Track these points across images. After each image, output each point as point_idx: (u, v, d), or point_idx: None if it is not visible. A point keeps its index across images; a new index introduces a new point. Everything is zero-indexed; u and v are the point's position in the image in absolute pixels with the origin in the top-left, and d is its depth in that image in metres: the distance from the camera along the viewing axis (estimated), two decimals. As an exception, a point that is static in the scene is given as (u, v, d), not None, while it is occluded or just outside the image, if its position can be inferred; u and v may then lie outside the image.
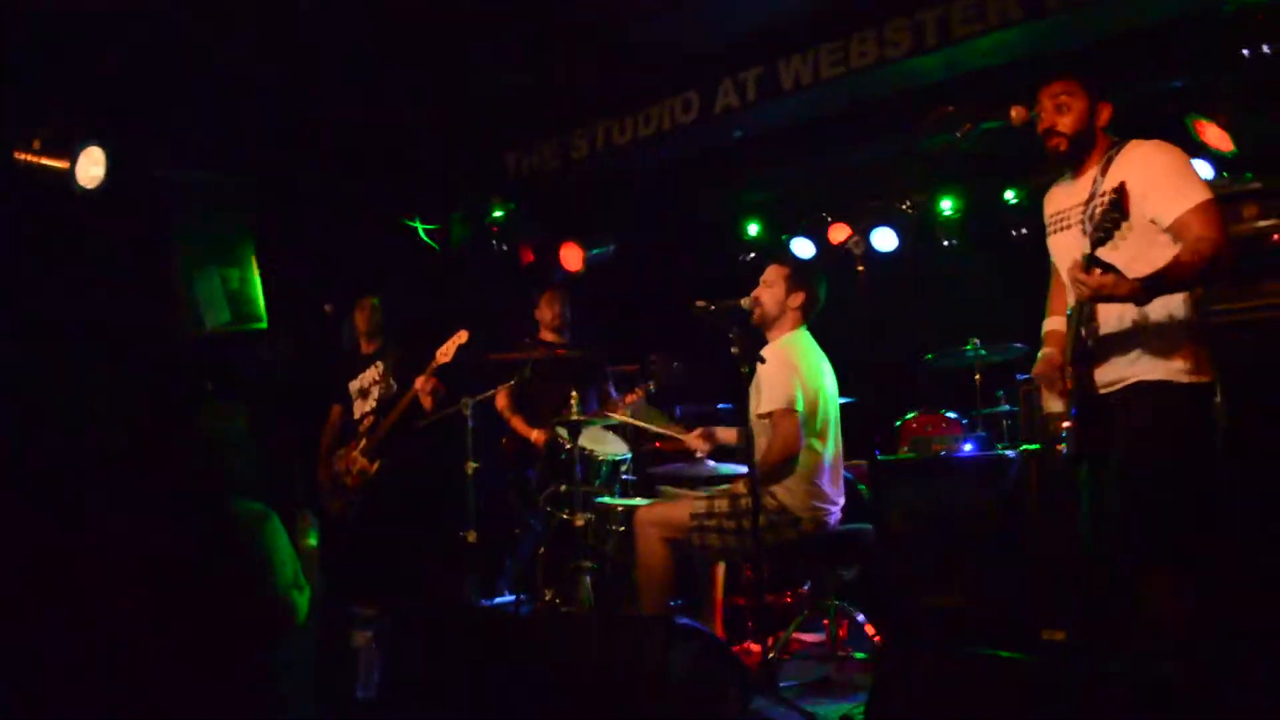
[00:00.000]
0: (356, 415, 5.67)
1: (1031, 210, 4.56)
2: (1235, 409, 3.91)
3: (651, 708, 3.22)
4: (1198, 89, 4.55)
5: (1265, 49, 3.79)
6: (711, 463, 4.70)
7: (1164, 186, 2.90)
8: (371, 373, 5.67)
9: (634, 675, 3.27)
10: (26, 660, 2.74)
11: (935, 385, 6.03)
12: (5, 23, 4.23)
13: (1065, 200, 3.22)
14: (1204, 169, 4.68)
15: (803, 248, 6.92)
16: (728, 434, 4.41)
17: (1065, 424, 3.10)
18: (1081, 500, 3.18)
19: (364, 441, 5.48)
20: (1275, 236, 4.63)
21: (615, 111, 6.01)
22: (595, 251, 6.90)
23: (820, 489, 4.16)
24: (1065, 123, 3.08)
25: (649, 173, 6.40)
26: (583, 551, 4.68)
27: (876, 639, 4.45)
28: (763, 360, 3.98)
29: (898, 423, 5.72)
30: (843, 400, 4.42)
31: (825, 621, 4.66)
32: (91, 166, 4.58)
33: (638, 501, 4.73)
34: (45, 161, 4.53)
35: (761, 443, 4.11)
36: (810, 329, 4.36)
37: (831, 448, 4.24)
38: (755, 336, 4.25)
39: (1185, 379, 2.90)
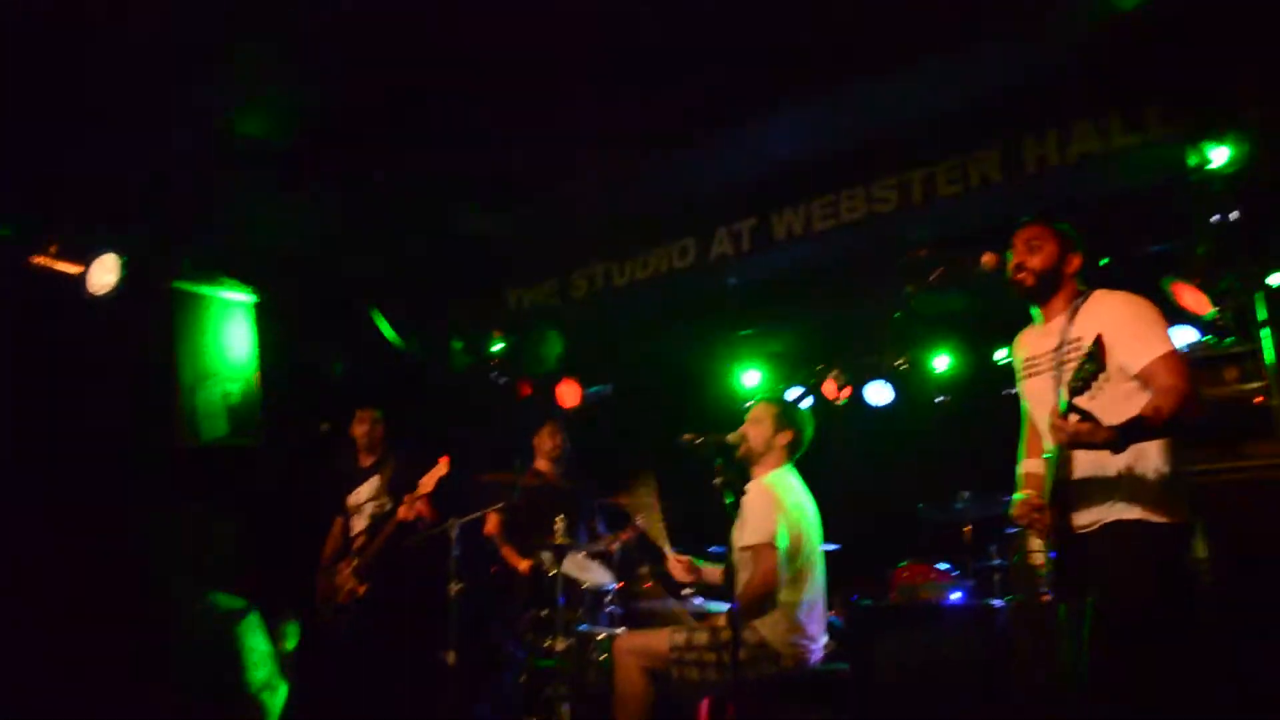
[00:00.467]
0: (352, 532, 5.69)
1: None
2: (1219, 563, 3.96)
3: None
4: (1174, 253, 4.74)
5: (1233, 216, 3.96)
6: (699, 599, 4.69)
7: (1129, 336, 3.01)
8: (368, 488, 5.71)
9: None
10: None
11: (926, 537, 6.04)
12: (28, 130, 4.44)
13: (1036, 346, 3.33)
14: (1187, 333, 4.82)
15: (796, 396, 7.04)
16: (712, 572, 4.42)
17: (1042, 559, 3.15)
18: (1062, 640, 3.19)
19: (355, 561, 5.49)
20: (1257, 399, 4.75)
21: (614, 254, 6.23)
22: (593, 390, 7.02)
23: (801, 625, 4.14)
24: (1035, 261, 3.23)
25: (647, 315, 6.58)
26: (562, 679, 4.62)
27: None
28: (744, 493, 4.04)
29: (889, 571, 5.71)
30: (830, 547, 4.44)
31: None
32: (105, 273, 4.74)
33: (619, 631, 4.71)
34: (60, 266, 4.69)
35: (743, 576, 4.12)
36: (798, 469, 4.43)
37: (814, 585, 4.24)
38: (741, 471, 4.32)
39: (1162, 519, 2.96)
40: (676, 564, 4.44)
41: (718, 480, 4.09)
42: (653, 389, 7.22)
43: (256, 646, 3.45)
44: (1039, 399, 3.27)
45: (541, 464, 5.86)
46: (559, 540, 4.74)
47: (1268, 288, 4.39)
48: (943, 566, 5.54)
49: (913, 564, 5.63)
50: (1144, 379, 2.97)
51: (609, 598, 5.16)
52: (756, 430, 4.37)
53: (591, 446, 6.06)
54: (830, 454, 4.82)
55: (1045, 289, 3.25)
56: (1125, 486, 3.00)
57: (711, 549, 6.11)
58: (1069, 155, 4.33)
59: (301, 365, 6.26)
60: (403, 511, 5.28)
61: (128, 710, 2.96)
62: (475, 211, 5.93)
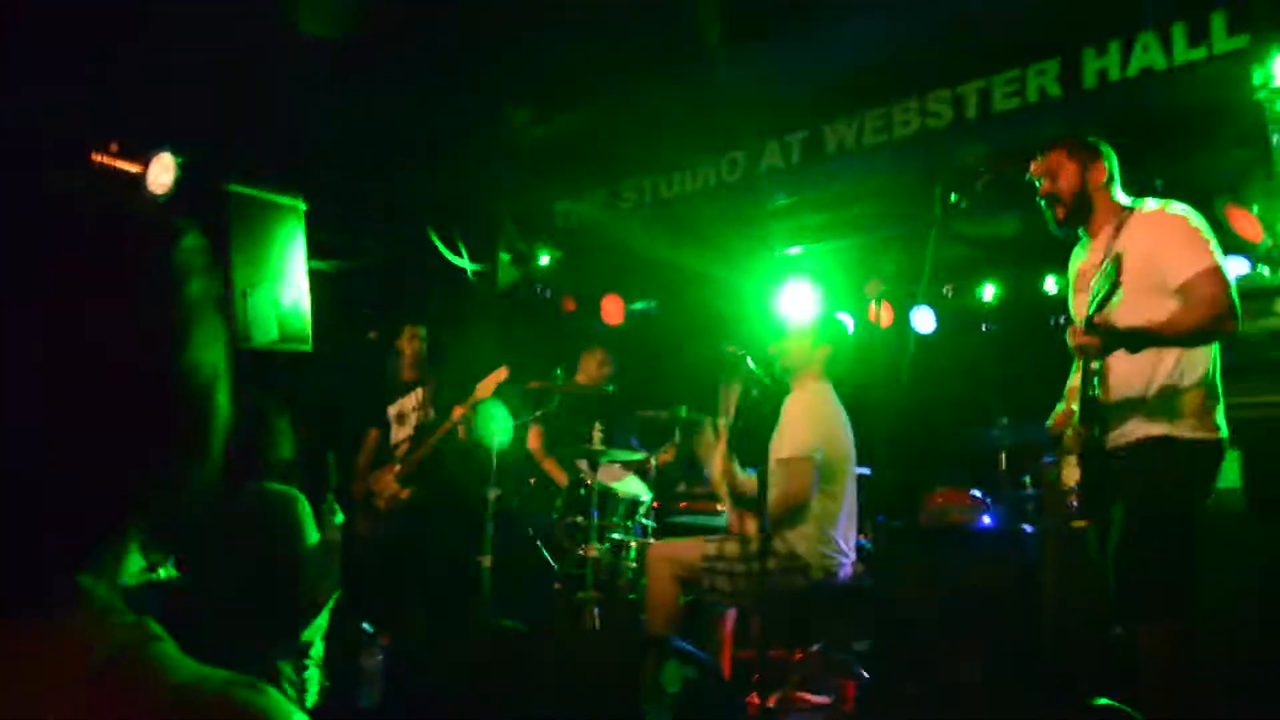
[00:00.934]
0: (394, 441, 5.79)
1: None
2: (1254, 495, 3.92)
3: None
4: (1233, 178, 4.62)
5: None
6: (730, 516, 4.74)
7: (1173, 249, 2.97)
8: (411, 399, 5.80)
9: (628, 690, 3.30)
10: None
11: (961, 463, 6.04)
12: (90, 28, 4.49)
13: (1084, 264, 3.30)
14: (1238, 263, 4.70)
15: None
16: (747, 482, 4.44)
17: (1078, 479, 3.14)
18: (1092, 554, 3.20)
19: (399, 467, 5.59)
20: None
21: (662, 167, 6.18)
22: (637, 306, 7.03)
23: (832, 539, 4.18)
24: (1060, 187, 3.19)
25: (694, 229, 6.55)
26: (592, 584, 4.71)
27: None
28: (782, 405, 4.07)
29: (922, 495, 5.72)
30: (864, 470, 4.45)
31: (831, 681, 4.62)
32: (163, 173, 4.81)
33: (650, 541, 4.79)
34: (120, 165, 4.77)
35: (776, 487, 4.15)
36: (836, 387, 4.43)
37: (847, 500, 4.26)
38: (779, 384, 4.33)
39: (1188, 434, 2.94)
40: (717, 483, 4.45)
41: (756, 392, 4.14)
42: (697, 305, 7.22)
43: (308, 531, 3.53)
44: (1081, 313, 3.25)
45: (583, 378, 5.91)
46: (595, 447, 4.79)
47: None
48: (976, 493, 5.55)
49: (946, 489, 5.65)
50: (1183, 293, 2.92)
51: (642, 510, 5.22)
52: (796, 344, 4.38)
53: (633, 361, 6.09)
54: (870, 377, 4.81)
55: (1081, 210, 3.21)
56: (1153, 403, 2.98)
57: (749, 470, 6.17)
58: (1130, 70, 4.21)
59: (349, 274, 6.33)
60: (456, 413, 5.34)
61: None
62: (527, 118, 5.89)
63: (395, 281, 6.39)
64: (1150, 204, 3.13)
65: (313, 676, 3.60)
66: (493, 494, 5.16)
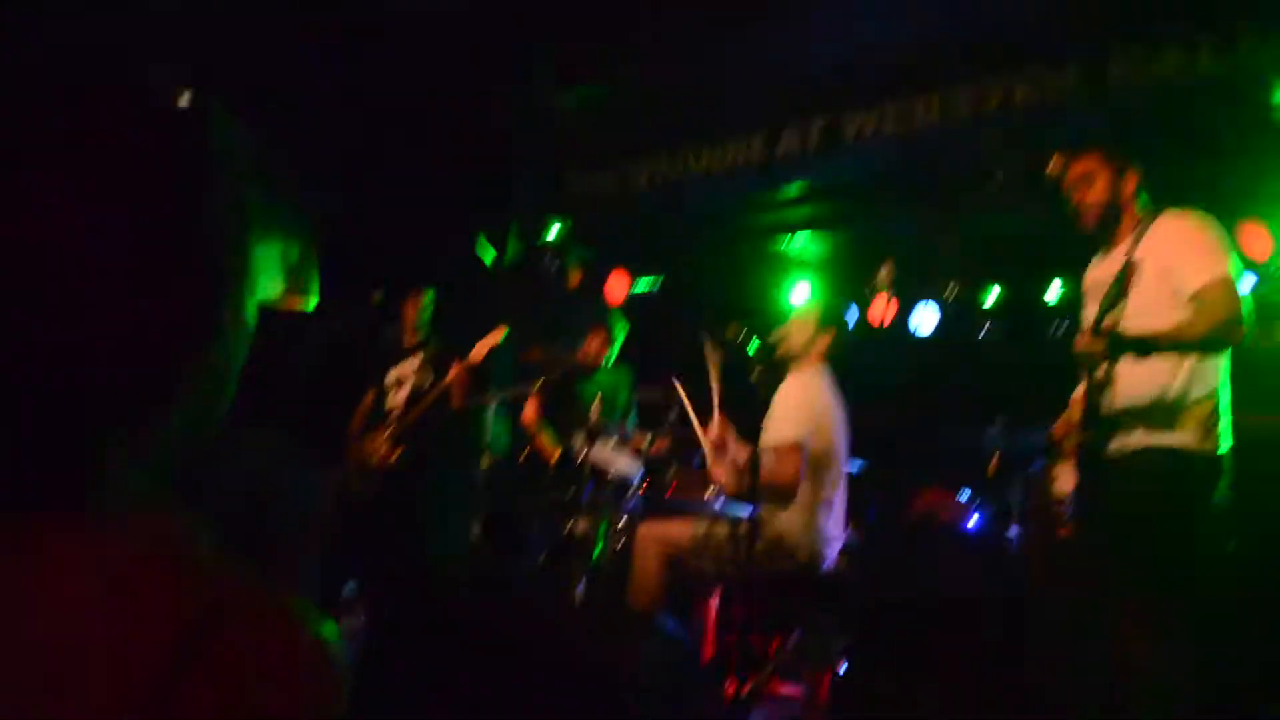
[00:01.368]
0: (389, 404, 5.77)
1: (1074, 306, 4.62)
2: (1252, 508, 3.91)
3: (620, 700, 3.25)
4: (1247, 193, 4.59)
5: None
6: (720, 501, 4.73)
7: (1189, 258, 2.95)
8: (411, 363, 5.78)
9: (607, 665, 3.30)
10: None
11: (952, 464, 6.03)
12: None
13: (1101, 273, 3.28)
14: (1245, 281, 4.69)
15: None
16: (740, 449, 4.39)
17: (1071, 488, 3.14)
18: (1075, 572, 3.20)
19: (392, 428, 5.58)
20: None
21: (678, 145, 6.14)
22: (642, 283, 7.00)
23: (821, 526, 4.18)
24: (1092, 196, 3.17)
25: (706, 211, 6.52)
26: (579, 558, 4.71)
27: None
28: (778, 389, 4.07)
29: (910, 493, 5.72)
30: (856, 464, 4.44)
31: (805, 673, 4.62)
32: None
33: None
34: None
35: (766, 468, 4.13)
36: (835, 373, 4.41)
37: (836, 488, 4.26)
38: (779, 368, 4.32)
39: (1192, 446, 2.93)
40: (717, 424, 4.40)
41: (754, 375, 4.14)
42: (703, 286, 7.19)
43: (303, 486, 3.52)
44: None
45: (585, 349, 5.89)
46: (593, 423, 4.77)
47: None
48: (964, 495, 5.55)
49: (934, 489, 5.64)
50: (1197, 300, 2.91)
51: (633, 490, 5.21)
52: (799, 329, 4.36)
53: (635, 339, 6.06)
54: (868, 373, 4.78)
55: (1110, 220, 3.18)
56: (1158, 413, 2.97)
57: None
58: (1155, 76, 4.17)
59: (357, 235, 6.30)
60: (451, 374, 5.33)
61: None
62: (549, 86, 5.85)
63: (401, 246, 6.35)
64: (1170, 213, 3.11)
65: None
66: (485, 460, 5.15)
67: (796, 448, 4.09)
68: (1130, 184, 3.16)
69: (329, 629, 0.70)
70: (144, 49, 4.85)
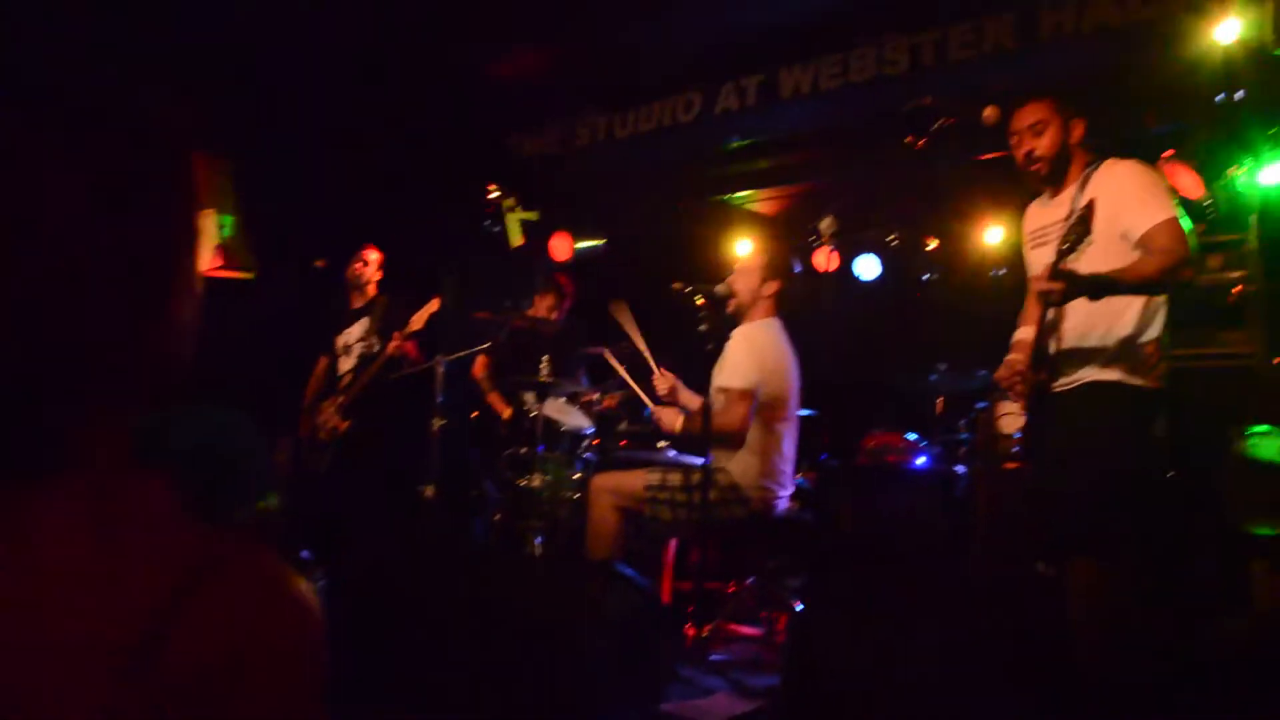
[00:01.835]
0: (340, 371, 5.76)
1: (1012, 251, 4.75)
2: (1178, 438, 4.08)
3: (584, 645, 3.32)
4: (1175, 133, 4.73)
5: (1238, 96, 3.95)
6: (672, 451, 4.80)
7: (1135, 203, 3.05)
8: (357, 328, 5.76)
9: (569, 613, 3.36)
10: None
11: (899, 407, 6.17)
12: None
13: (1044, 217, 3.36)
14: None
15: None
16: (691, 398, 4.45)
17: (1018, 426, 3.25)
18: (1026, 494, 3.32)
19: (340, 399, 5.58)
20: (1236, 289, 4.81)
21: (619, 106, 6.15)
22: (586, 244, 7.02)
23: (773, 471, 4.26)
24: (1043, 145, 3.23)
25: (646, 170, 6.55)
26: (535, 513, 4.76)
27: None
28: (728, 338, 4.13)
29: (860, 437, 5.84)
30: (806, 412, 4.53)
31: (763, 614, 4.74)
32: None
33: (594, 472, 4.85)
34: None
35: (716, 414, 4.20)
36: (784, 322, 4.48)
37: (788, 435, 4.34)
38: (728, 320, 4.39)
39: (1135, 382, 3.05)
40: (661, 379, 4.47)
41: (704, 327, 4.20)
42: (647, 244, 7.23)
43: (258, 459, 3.50)
44: (1042, 268, 3.32)
45: (534, 312, 5.91)
46: (543, 379, 4.81)
47: (1262, 175, 4.41)
48: (911, 435, 5.69)
49: (882, 431, 5.78)
50: (1144, 243, 3.01)
51: (585, 442, 5.27)
52: (744, 280, 4.41)
53: (581, 297, 6.09)
54: (814, 321, 4.88)
55: (1059, 169, 3.26)
56: (1106, 351, 3.09)
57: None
58: (1085, 25, 4.28)
59: (297, 204, 6.23)
60: (391, 347, 5.34)
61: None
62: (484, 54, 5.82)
63: (344, 210, 6.30)
64: (1112, 160, 3.20)
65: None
66: (436, 423, 5.17)
67: (746, 395, 4.16)
68: (1077, 132, 3.24)
69: (304, 582, 0.73)
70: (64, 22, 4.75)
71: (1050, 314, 3.13)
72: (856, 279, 6.79)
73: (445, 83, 6.19)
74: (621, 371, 4.68)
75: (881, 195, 6.36)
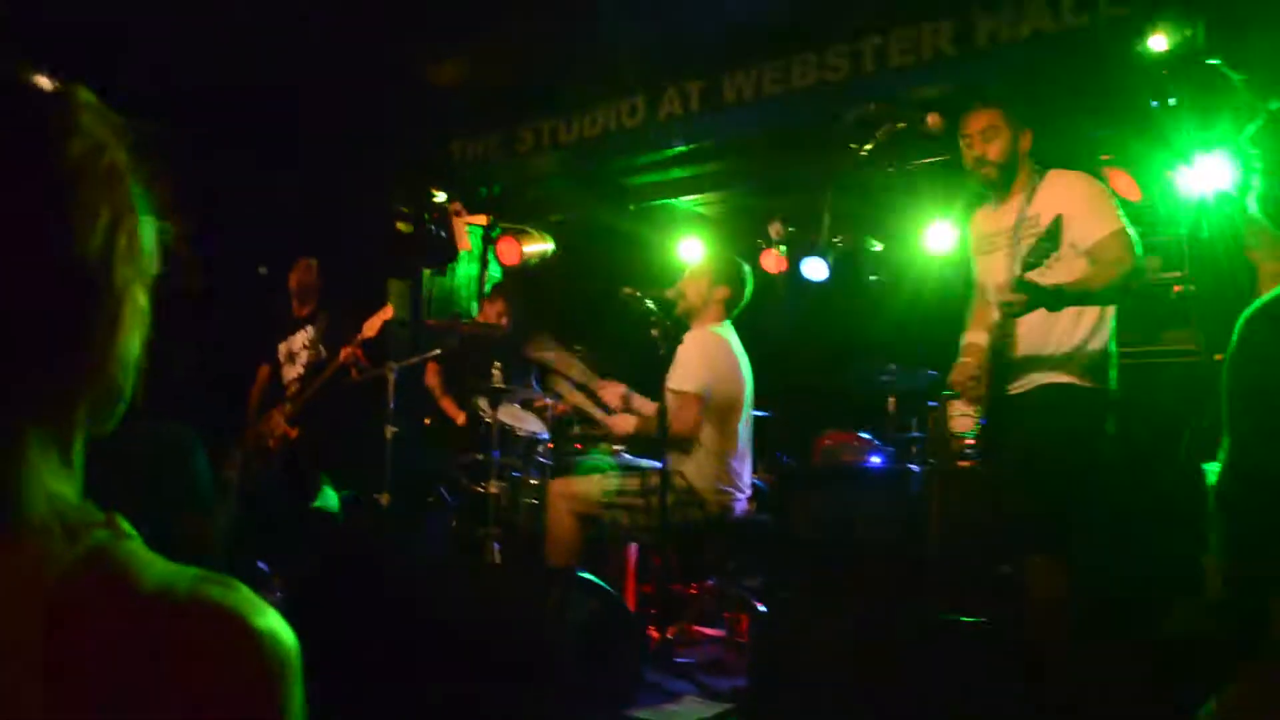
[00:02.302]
0: (285, 379, 5.70)
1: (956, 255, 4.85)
2: (1127, 435, 4.21)
3: (548, 652, 3.33)
4: (1112, 138, 4.87)
5: (1171, 102, 4.08)
6: (628, 455, 4.84)
7: (1085, 214, 3.15)
8: (302, 336, 5.71)
9: (531, 619, 3.38)
10: None
11: (851, 407, 6.25)
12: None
13: (992, 224, 3.46)
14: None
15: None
16: (644, 403, 4.49)
17: (970, 426, 3.34)
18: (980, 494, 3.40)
19: (288, 406, 5.52)
20: (1176, 288, 4.97)
21: (562, 109, 6.17)
22: (533, 248, 7.02)
23: (729, 474, 4.31)
24: (994, 150, 3.32)
25: (591, 172, 6.57)
26: (492, 520, 4.76)
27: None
28: (680, 341, 4.18)
29: (814, 437, 5.92)
30: (759, 414, 4.59)
31: (726, 615, 4.80)
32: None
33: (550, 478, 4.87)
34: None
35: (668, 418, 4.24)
36: (735, 326, 4.53)
37: (743, 439, 4.39)
38: (678, 325, 4.43)
39: (1087, 384, 3.16)
40: (609, 392, 4.51)
41: (655, 332, 4.24)
42: (594, 248, 7.26)
43: (202, 471, 3.45)
44: (991, 274, 3.41)
45: (484, 318, 5.91)
46: (496, 384, 4.82)
47: (1195, 179, 4.56)
48: (864, 435, 5.78)
49: (836, 432, 5.86)
50: (1094, 254, 3.11)
51: (541, 447, 5.28)
52: (694, 285, 4.46)
53: (531, 302, 6.10)
54: (764, 323, 4.94)
55: (1008, 176, 3.35)
56: (1060, 355, 3.19)
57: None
58: (1020, 32, 4.39)
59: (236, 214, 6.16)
60: (344, 354, 5.31)
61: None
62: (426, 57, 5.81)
63: (286, 214, 6.23)
64: (1058, 171, 3.31)
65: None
66: (389, 431, 5.15)
67: (696, 399, 4.20)
68: (1025, 142, 3.34)
69: (275, 617, 0.69)
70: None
71: (1006, 323, 3.22)
72: (805, 280, 6.86)
73: (388, 87, 6.16)
74: (568, 385, 4.71)
75: (826, 199, 6.44)
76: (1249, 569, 1.72)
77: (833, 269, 6.93)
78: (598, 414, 4.56)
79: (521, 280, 6.48)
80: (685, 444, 4.24)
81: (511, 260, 7.04)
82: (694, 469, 4.26)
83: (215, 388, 5.74)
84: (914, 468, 5.07)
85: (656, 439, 4.05)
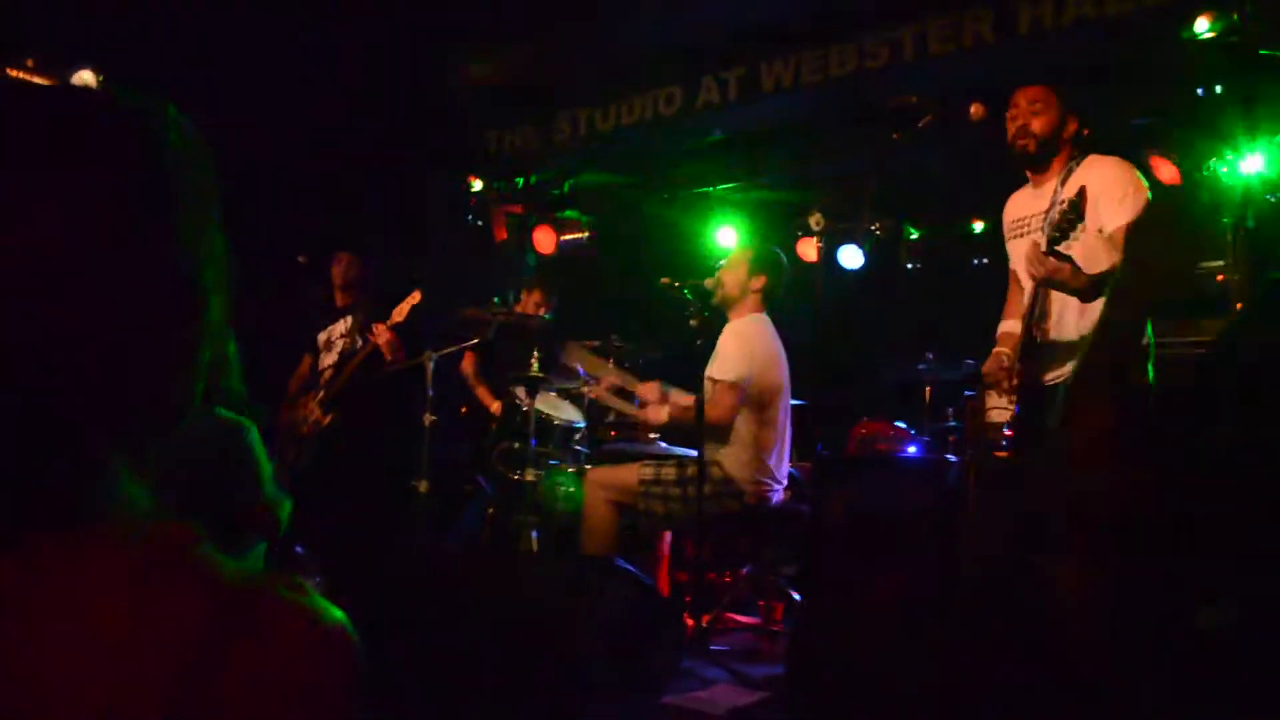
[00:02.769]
0: (321, 367, 5.76)
1: (993, 241, 4.81)
2: (1163, 427, 4.16)
3: (582, 640, 3.36)
4: (1155, 127, 4.81)
5: (1217, 90, 4.03)
6: (664, 444, 4.85)
7: (1110, 198, 3.11)
8: (340, 326, 5.76)
9: (568, 607, 3.40)
10: None
11: (887, 397, 6.23)
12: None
13: (1026, 208, 3.42)
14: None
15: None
16: (680, 396, 4.51)
17: (1007, 418, 3.31)
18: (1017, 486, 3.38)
19: (321, 393, 5.58)
20: (1218, 278, 4.91)
21: (599, 99, 6.18)
22: (570, 237, 7.05)
23: (766, 465, 4.32)
24: (1038, 124, 3.29)
25: (629, 163, 6.58)
26: (530, 508, 4.79)
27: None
28: (718, 331, 4.20)
29: (849, 426, 5.90)
30: (796, 403, 4.59)
31: (761, 602, 4.80)
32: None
33: (587, 466, 4.89)
34: (35, 80, 4.60)
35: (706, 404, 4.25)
36: (772, 315, 4.53)
37: (781, 428, 4.39)
38: (716, 315, 4.44)
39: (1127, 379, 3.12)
40: (646, 389, 4.54)
41: (693, 321, 4.25)
42: (631, 237, 7.27)
43: (262, 460, 3.50)
44: (1023, 258, 3.38)
45: (522, 308, 5.94)
46: (533, 374, 4.84)
47: (1240, 166, 4.50)
48: (900, 424, 5.76)
49: (871, 421, 5.84)
50: (1112, 240, 3.07)
51: (578, 435, 5.31)
52: (732, 275, 4.46)
53: (568, 291, 6.13)
54: (801, 312, 4.94)
55: (1045, 154, 3.31)
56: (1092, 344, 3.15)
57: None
58: (1063, 19, 4.34)
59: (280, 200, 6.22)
60: (373, 338, 5.35)
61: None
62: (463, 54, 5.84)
63: (327, 206, 6.29)
64: (1095, 156, 3.27)
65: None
66: (428, 419, 5.18)
67: (733, 387, 4.21)
68: (1072, 126, 3.31)
69: (339, 613, 0.69)
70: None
71: (1036, 309, 3.19)
72: (841, 269, 6.84)
73: (427, 77, 6.21)
74: (605, 392, 4.77)
75: (866, 188, 6.42)
76: None
77: (870, 257, 6.91)
78: (633, 410, 4.60)
79: (559, 270, 6.49)
80: (722, 433, 4.25)
81: (548, 249, 7.07)
82: (731, 459, 4.27)
83: (253, 378, 5.80)
84: (951, 458, 5.05)
85: (694, 428, 4.06)
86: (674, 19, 5.46)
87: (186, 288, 0.71)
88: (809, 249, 6.95)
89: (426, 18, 5.64)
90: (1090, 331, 3.15)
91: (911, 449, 5.34)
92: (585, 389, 5.37)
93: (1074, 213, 2.95)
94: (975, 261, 6.50)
